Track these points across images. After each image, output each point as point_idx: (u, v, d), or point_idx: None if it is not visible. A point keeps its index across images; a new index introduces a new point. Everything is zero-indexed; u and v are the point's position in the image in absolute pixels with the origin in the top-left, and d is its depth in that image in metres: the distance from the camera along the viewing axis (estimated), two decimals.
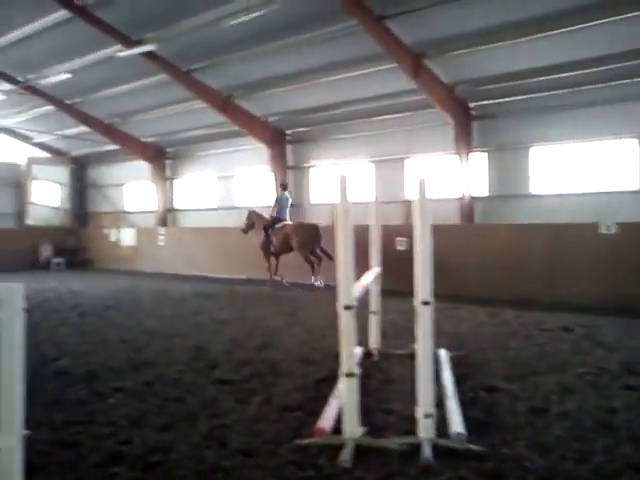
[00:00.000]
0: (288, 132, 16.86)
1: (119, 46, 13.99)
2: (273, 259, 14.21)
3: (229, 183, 18.71)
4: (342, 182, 3.93)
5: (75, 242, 22.25)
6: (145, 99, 16.91)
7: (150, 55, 14.13)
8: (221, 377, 5.68)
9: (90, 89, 17.15)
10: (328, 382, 5.26)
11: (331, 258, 12.31)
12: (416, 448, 3.75)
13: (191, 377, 5.73)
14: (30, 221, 22.53)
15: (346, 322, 3.87)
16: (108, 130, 19.41)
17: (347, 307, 3.85)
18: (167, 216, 20.41)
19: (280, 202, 14.32)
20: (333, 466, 3.57)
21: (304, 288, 13.19)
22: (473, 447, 3.78)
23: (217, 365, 6.20)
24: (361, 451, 3.76)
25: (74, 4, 13.08)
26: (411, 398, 4.88)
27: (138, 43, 13.74)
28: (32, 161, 22.72)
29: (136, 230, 19.96)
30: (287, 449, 3.84)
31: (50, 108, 18.88)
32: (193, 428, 4.26)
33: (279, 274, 14.15)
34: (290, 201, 14.53)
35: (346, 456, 3.66)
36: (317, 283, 13.22)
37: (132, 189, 22.05)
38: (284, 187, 14.71)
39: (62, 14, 13.53)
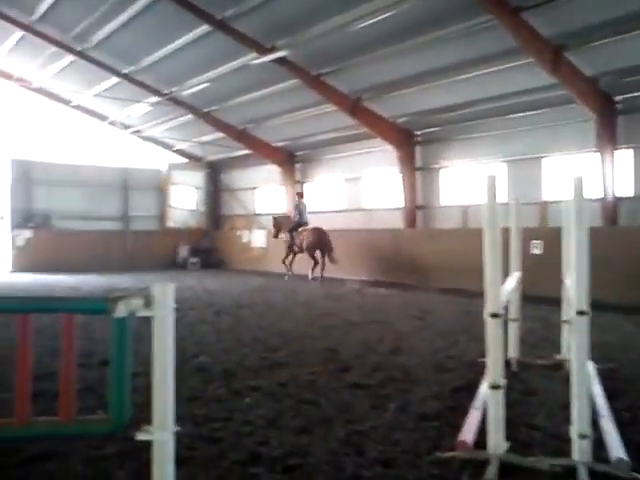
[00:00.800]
0: (417, 133, 16.60)
1: (254, 54, 14.51)
2: (291, 257, 16.98)
3: (357, 185, 18.78)
4: (490, 182, 3.70)
5: (209, 243, 23.43)
6: (276, 104, 17.41)
7: (282, 61, 14.50)
8: (355, 381, 5.61)
9: (225, 97, 17.97)
10: (465, 391, 5.04)
11: (332, 260, 15.74)
12: (570, 471, 3.44)
13: (324, 380, 5.71)
14: (170, 223, 24.07)
15: (493, 331, 3.63)
16: (241, 135, 20.23)
17: (494, 315, 3.62)
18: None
19: (299, 209, 16.88)
20: None
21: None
22: (638, 476, 3.40)
23: (350, 368, 6.15)
24: (506, 469, 3.52)
25: (214, 18, 13.77)
26: (557, 413, 4.55)
27: (271, 50, 14.16)
28: (172, 167, 24.28)
29: (266, 232, 20.61)
30: (427, 461, 3.67)
31: (189, 117, 20.06)
32: (329, 433, 4.21)
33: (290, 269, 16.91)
34: (307, 208, 17.09)
35: (492, 474, 3.44)
36: (311, 277, 16.17)
37: (263, 192, 22.82)
38: (301, 195, 17.39)
39: (203, 29, 14.33)
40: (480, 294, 3.89)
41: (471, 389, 4.86)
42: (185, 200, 24.75)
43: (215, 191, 25.12)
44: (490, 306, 3.64)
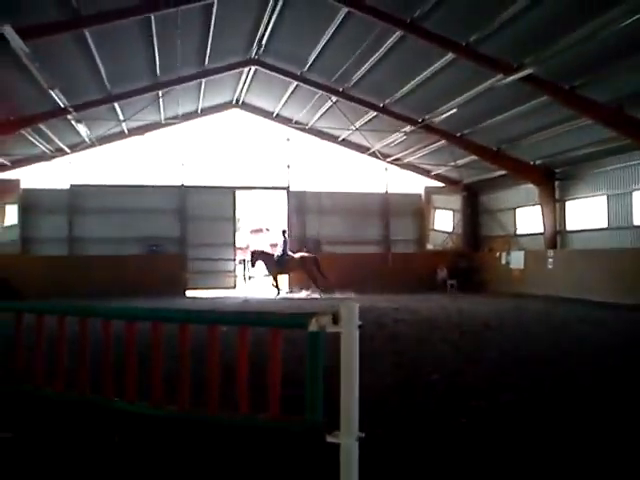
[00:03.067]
0: None
1: (500, 75, 14.40)
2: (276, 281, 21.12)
3: (625, 201, 17.12)
4: None
5: (468, 265, 23.42)
6: (528, 122, 16.95)
7: (529, 78, 14.10)
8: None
9: (476, 119, 18.08)
10: None
11: (325, 277, 20.44)
12: None
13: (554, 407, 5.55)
14: (429, 246, 24.74)
15: None
16: (496, 156, 19.99)
17: None
18: (556, 238, 19.79)
19: (284, 244, 21.31)
20: None
21: None
22: None
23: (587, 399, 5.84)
24: None
25: (459, 45, 14.09)
26: None
27: (517, 69, 13.88)
28: (430, 191, 24.99)
29: (524, 253, 19.90)
30: None
31: (442, 142, 20.57)
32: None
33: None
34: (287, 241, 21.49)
35: None
36: (307, 294, 20.57)
37: (522, 213, 22.12)
38: (284, 232, 21.83)
39: (448, 57, 14.76)
40: None
41: None
42: (443, 223, 25.21)
43: (473, 213, 25.06)
44: None
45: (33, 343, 4.15)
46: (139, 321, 3.86)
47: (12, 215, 21.63)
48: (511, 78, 14.10)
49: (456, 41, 14.00)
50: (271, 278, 21.50)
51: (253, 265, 21.38)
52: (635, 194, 16.82)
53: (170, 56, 15.99)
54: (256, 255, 21.26)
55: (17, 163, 21.64)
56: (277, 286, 21.18)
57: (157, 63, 16.49)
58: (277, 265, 21.02)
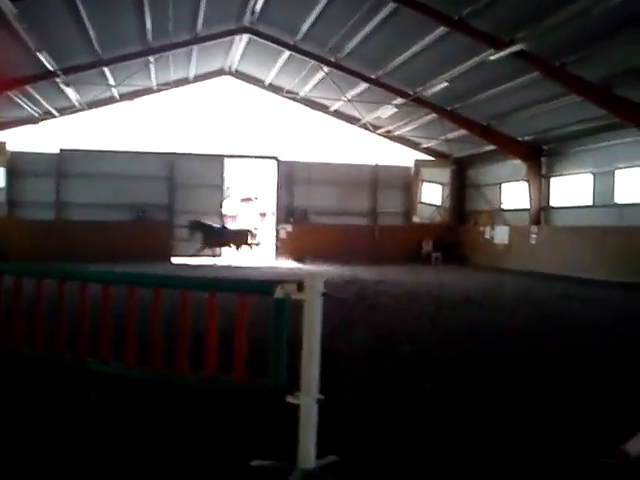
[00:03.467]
0: None
1: (491, 50, 14.40)
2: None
3: (608, 179, 17.31)
4: None
5: (453, 239, 23.67)
6: (519, 98, 17.00)
7: (520, 54, 14.10)
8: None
9: (467, 94, 18.11)
10: None
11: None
12: None
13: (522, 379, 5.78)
14: (415, 219, 24.92)
15: None
16: (485, 131, 20.05)
17: None
18: (540, 214, 20.02)
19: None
20: None
21: None
22: None
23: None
24: None
25: (451, 19, 14.04)
26: None
27: (508, 44, 13.89)
28: (419, 164, 25.07)
29: (509, 228, 20.13)
30: None
31: (433, 116, 20.59)
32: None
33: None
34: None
35: None
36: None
37: (508, 188, 22.29)
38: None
39: (440, 30, 14.73)
40: None
41: None
42: (431, 196, 25.35)
43: (460, 187, 25.19)
44: None
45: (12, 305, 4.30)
46: (115, 285, 4.01)
47: None
48: (502, 53, 14.11)
49: (449, 15, 13.95)
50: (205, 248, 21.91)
51: (191, 235, 21.43)
52: (617, 173, 17.00)
53: (162, 21, 15.84)
54: (194, 225, 21.30)
55: (4, 125, 21.43)
56: (214, 255, 22.01)
57: (149, 28, 16.32)
58: (215, 236, 21.57)
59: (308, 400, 3.40)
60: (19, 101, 19.23)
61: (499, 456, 3.76)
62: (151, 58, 18.89)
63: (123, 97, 22.46)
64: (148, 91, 22.30)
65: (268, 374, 3.47)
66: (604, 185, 17.43)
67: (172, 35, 17.09)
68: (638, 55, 12.97)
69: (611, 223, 16.37)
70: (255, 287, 3.74)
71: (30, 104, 20.00)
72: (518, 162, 20.45)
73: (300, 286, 3.43)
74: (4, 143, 21.44)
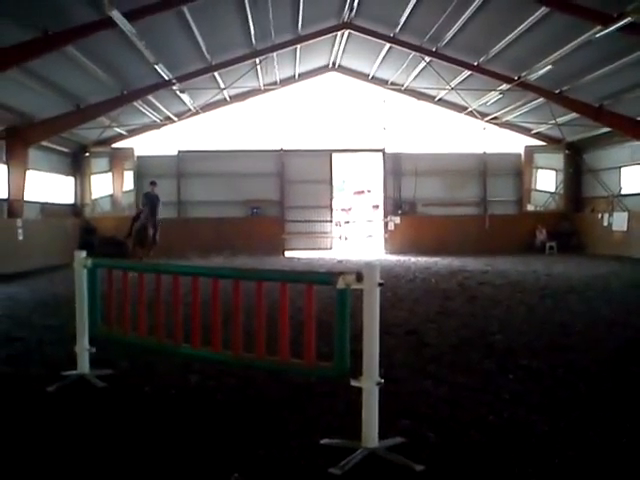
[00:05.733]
0: None
1: (597, 27, 13.70)
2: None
3: None
4: None
5: (569, 226, 22.64)
6: (633, 76, 15.95)
7: (631, 28, 13.28)
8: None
9: (573, 76, 17.32)
10: None
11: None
12: None
13: (602, 365, 5.69)
14: (530, 207, 24.08)
15: None
16: (598, 113, 18.95)
17: None
18: None
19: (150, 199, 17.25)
20: None
21: None
22: None
23: None
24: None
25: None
26: None
27: (617, 19, 13.12)
28: (530, 150, 24.17)
29: (628, 214, 18.97)
30: None
31: (541, 100, 19.83)
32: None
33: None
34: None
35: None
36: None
37: (627, 172, 20.95)
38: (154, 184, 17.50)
39: (542, 10, 14.23)
40: None
41: None
42: (544, 183, 24.37)
43: (576, 172, 23.98)
44: None
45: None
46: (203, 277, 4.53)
47: (129, 181, 23.51)
48: (611, 29, 13.32)
49: None
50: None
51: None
52: None
53: (264, 25, 16.62)
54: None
55: (131, 132, 23.43)
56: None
57: (252, 32, 17.15)
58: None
59: (369, 384, 3.69)
60: (142, 109, 20.95)
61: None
62: (257, 60, 19.79)
63: (233, 99, 23.69)
64: (256, 91, 23.34)
65: (333, 360, 3.80)
66: None
67: (275, 37, 17.86)
68: None
69: None
70: (318, 278, 4.06)
71: (152, 111, 21.69)
72: (637, 144, 19.16)
73: (359, 277, 3.72)
74: (132, 149, 23.38)
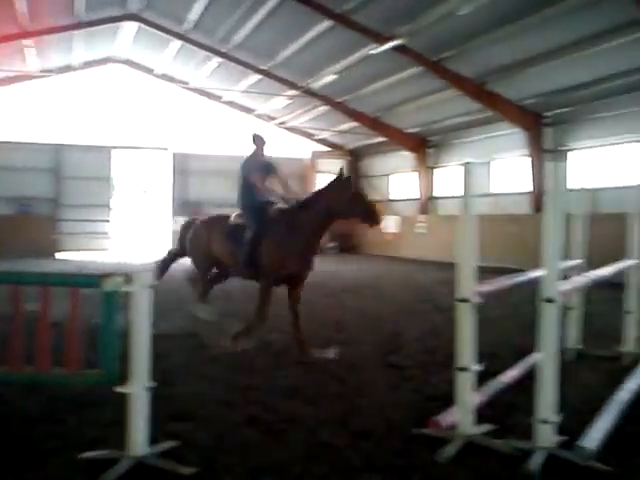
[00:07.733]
0: (547, 114, 15.83)
1: (374, 44, 14.84)
2: None
3: (486, 170, 18.38)
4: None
5: (347, 228, 24.18)
6: (404, 92, 17.60)
7: (401, 49, 14.64)
8: (393, 362, 5.93)
9: (355, 87, 18.57)
10: None
11: None
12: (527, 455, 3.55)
13: (366, 359, 6.09)
14: None
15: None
16: (374, 123, 20.63)
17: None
18: (428, 204, 20.92)
19: None
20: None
21: None
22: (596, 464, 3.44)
23: (397, 351, 6.44)
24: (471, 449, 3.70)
25: (333, 13, 14.33)
26: (577, 405, 4.43)
27: (389, 39, 14.37)
28: (315, 155, 25.38)
29: (398, 218, 20.89)
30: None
31: (325, 107, 20.94)
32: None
33: None
34: None
35: (447, 451, 3.64)
36: None
37: (397, 179, 23.12)
38: None
39: (325, 24, 14.98)
40: None
41: None
42: None
43: (355, 178, 25.74)
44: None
45: None
46: None
47: None
48: (383, 47, 14.62)
49: (330, 9, 14.21)
50: None
51: None
52: (492, 163, 18.12)
53: (39, 3, 15.05)
54: None
55: None
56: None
57: (21, 11, 15.43)
58: None
59: (137, 389, 3.46)
60: None
61: None
62: (29, 42, 17.84)
63: None
64: (27, 77, 21.02)
65: (99, 366, 3.50)
66: (483, 175, 18.46)
67: (50, 18, 16.28)
68: (504, 53, 13.78)
69: (485, 212, 17.32)
70: (84, 281, 3.73)
71: None
72: (406, 153, 21.26)
73: (128, 279, 3.48)
74: None
